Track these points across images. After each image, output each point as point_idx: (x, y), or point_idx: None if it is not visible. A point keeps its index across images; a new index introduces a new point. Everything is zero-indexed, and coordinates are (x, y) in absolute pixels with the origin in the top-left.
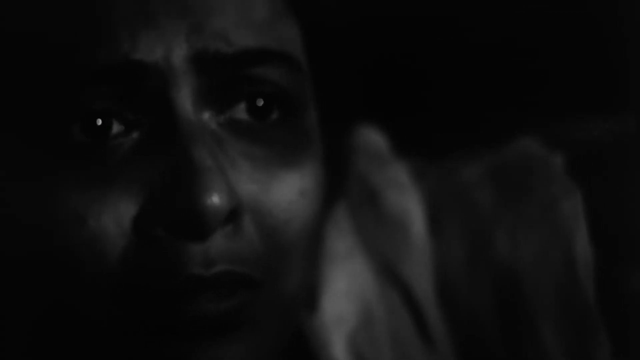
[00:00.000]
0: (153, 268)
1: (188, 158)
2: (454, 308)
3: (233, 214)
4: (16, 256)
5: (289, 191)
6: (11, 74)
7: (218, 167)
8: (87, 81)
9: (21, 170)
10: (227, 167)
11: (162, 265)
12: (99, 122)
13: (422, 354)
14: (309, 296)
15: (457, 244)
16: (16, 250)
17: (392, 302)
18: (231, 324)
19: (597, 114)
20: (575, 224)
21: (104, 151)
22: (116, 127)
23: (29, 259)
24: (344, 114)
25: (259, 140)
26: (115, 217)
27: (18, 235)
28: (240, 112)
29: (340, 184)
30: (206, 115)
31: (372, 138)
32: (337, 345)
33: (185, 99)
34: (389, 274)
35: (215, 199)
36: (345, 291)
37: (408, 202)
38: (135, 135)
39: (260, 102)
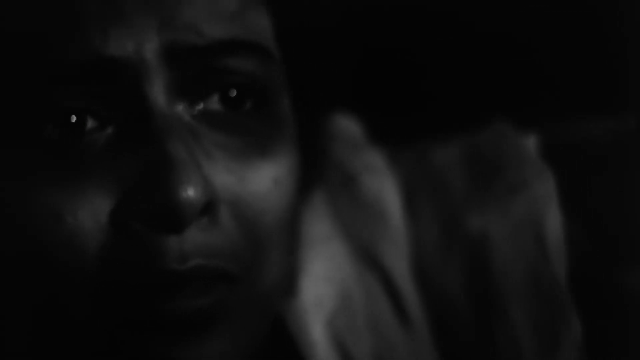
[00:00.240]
0: (130, 262)
1: (163, 151)
2: (430, 289)
3: (209, 206)
4: None
5: (263, 180)
6: None
7: (193, 160)
8: (59, 79)
9: None
10: (202, 159)
11: (139, 258)
12: (73, 118)
13: (400, 336)
14: (288, 281)
15: (431, 226)
16: None
17: (370, 285)
18: (209, 320)
19: (597, 114)
20: (546, 204)
21: (79, 147)
22: (90, 123)
23: (7, 258)
24: (322, 102)
25: (233, 131)
26: (92, 212)
27: None
28: (214, 103)
29: (317, 170)
30: (180, 108)
31: (348, 125)
32: (316, 328)
33: (158, 92)
34: (367, 257)
35: (190, 192)
36: (323, 275)
37: (384, 187)
38: (109, 130)
39: (233, 93)
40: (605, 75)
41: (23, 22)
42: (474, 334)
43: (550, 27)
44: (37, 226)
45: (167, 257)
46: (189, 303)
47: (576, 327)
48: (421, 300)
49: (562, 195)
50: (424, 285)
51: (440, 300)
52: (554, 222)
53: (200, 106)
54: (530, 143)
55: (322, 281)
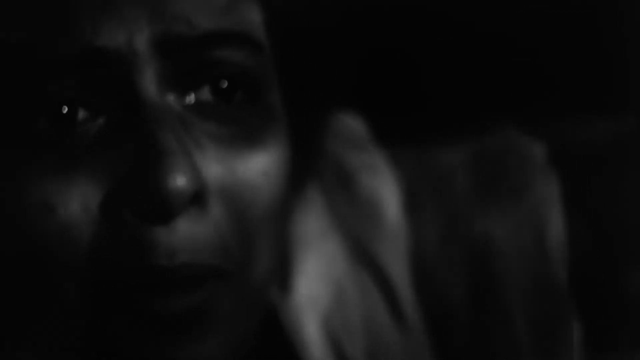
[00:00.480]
0: (120, 257)
1: (153, 141)
2: (428, 289)
3: (198, 196)
4: None
5: (253, 171)
6: None
7: (183, 149)
8: (50, 71)
9: None
10: (192, 149)
11: (129, 252)
12: (65, 109)
13: (395, 335)
14: (283, 278)
15: (431, 227)
16: None
17: (365, 283)
18: (200, 316)
19: (597, 114)
20: (549, 208)
21: (70, 139)
22: (82, 114)
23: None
24: (322, 101)
25: (224, 121)
26: (83, 203)
27: None
28: (205, 93)
29: (314, 167)
30: (170, 98)
31: (350, 124)
32: (311, 326)
33: (149, 83)
34: (362, 255)
35: (179, 181)
36: (318, 273)
37: (382, 185)
38: (100, 121)
39: (224, 84)
40: (605, 76)
41: (14, 17)
42: (470, 334)
43: (551, 28)
44: (29, 218)
45: (156, 251)
46: (180, 300)
47: (576, 327)
48: (418, 299)
49: (562, 196)
50: (423, 285)
51: (437, 300)
52: (556, 225)
53: (191, 97)
54: (537, 148)
55: (317, 279)
